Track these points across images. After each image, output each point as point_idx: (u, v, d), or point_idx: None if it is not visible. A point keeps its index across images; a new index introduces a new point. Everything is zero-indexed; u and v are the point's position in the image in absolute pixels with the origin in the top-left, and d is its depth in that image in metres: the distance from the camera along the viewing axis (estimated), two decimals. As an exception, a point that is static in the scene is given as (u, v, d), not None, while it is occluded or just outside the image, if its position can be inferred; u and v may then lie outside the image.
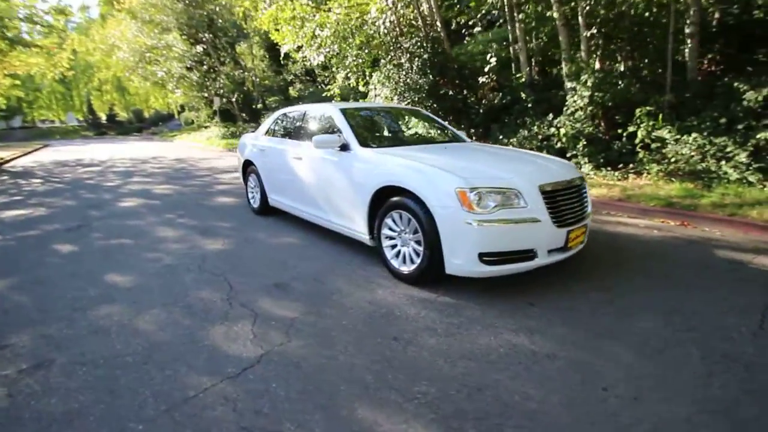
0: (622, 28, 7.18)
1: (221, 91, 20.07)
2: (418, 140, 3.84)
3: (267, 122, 4.99)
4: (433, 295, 2.68)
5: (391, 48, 9.87)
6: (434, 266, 2.64)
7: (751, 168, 5.07)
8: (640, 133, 6.25)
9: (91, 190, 7.27)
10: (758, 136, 5.07)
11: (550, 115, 7.44)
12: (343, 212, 3.40)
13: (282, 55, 10.82)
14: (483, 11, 10.00)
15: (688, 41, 6.89)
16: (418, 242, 2.75)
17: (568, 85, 6.92)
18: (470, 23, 12.40)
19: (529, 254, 2.54)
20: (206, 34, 19.03)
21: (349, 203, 3.28)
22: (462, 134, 4.19)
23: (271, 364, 1.98)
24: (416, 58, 9.07)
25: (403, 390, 1.77)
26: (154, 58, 18.92)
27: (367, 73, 10.71)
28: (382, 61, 10.14)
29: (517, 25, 7.96)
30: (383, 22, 9.24)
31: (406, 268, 2.84)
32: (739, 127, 5.56)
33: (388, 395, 1.74)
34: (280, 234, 4.22)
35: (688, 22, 6.84)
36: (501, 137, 7.90)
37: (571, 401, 1.68)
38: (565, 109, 7.20)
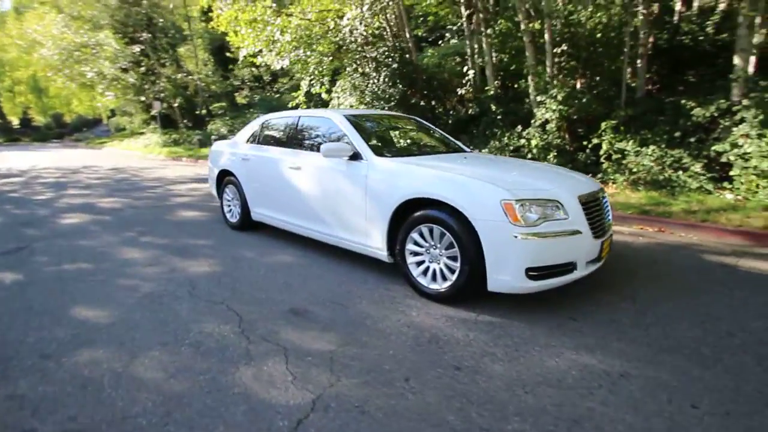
0: (579, 48, 7.67)
1: (162, 95, 18.58)
2: (430, 149, 3.68)
3: (248, 129, 4.56)
4: (472, 315, 2.51)
5: (357, 57, 9.72)
6: (473, 283, 2.47)
7: (705, 177, 5.57)
8: (605, 145, 6.65)
9: (20, 205, 6.21)
10: (713, 149, 5.58)
11: (519, 127, 7.71)
12: (355, 227, 3.13)
13: (240, 59, 10.21)
14: (453, 25, 10.24)
15: (638, 61, 7.51)
16: (452, 258, 2.57)
17: (539, 98, 7.19)
18: (425, 35, 12.67)
19: (569, 267, 2.46)
20: (144, 34, 17.56)
21: (363, 217, 3.03)
22: (460, 144, 4.11)
23: (330, 412, 1.67)
24: (385, 68, 8.99)
25: (497, 430, 1.56)
26: (83, 57, 17.02)
27: (326, 81, 10.44)
28: (348, 69, 9.95)
29: (484, 39, 8.19)
30: (351, 30, 9.08)
31: (438, 286, 2.65)
32: (692, 140, 6.12)
33: (483, 438, 1.53)
34: (272, 252, 3.82)
35: (632, 44, 7.46)
36: (472, 148, 8.03)
37: (673, 425, 1.59)
38: (533, 121, 7.49)
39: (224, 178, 4.72)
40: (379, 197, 2.89)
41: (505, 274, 2.36)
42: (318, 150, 3.51)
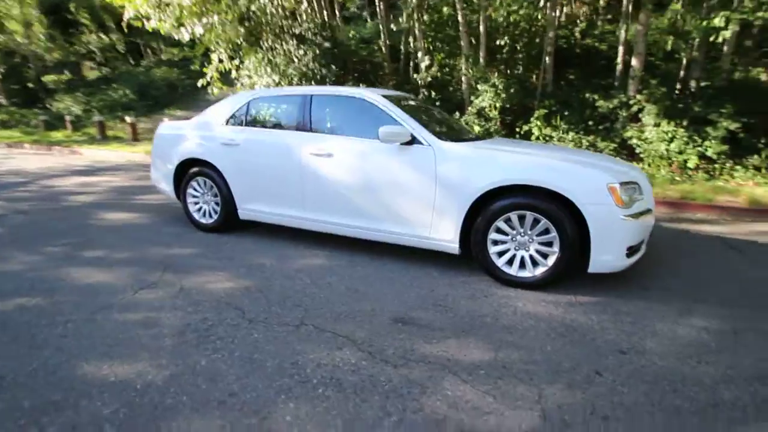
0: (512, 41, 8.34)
1: (-26, 61, 13.87)
2: (466, 134, 3.52)
3: (224, 106, 3.70)
4: (570, 298, 2.54)
5: (277, 31, 8.76)
6: (571, 267, 2.51)
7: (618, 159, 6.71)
8: (536, 131, 7.44)
9: None
10: (625, 135, 6.73)
11: (456, 114, 8.05)
12: (416, 219, 2.84)
13: (124, 21, 8.12)
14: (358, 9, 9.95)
15: (546, 59, 8.53)
16: (545, 244, 2.55)
17: (480, 87, 7.59)
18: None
19: (642, 244, 2.68)
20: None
21: (430, 208, 2.77)
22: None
23: (576, 428, 1.49)
24: (313, 46, 8.33)
25: (729, 400, 1.62)
26: None
27: (227, 58, 9.11)
28: (265, 45, 8.91)
29: (417, 26, 8.23)
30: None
31: (529, 273, 2.60)
32: (601, 127, 7.28)
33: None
34: (291, 255, 3.23)
35: (546, 46, 8.45)
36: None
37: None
38: (470, 109, 7.91)
39: (188, 169, 3.77)
40: (455, 186, 2.67)
41: (608, 255, 2.44)
42: (356, 135, 3.07)
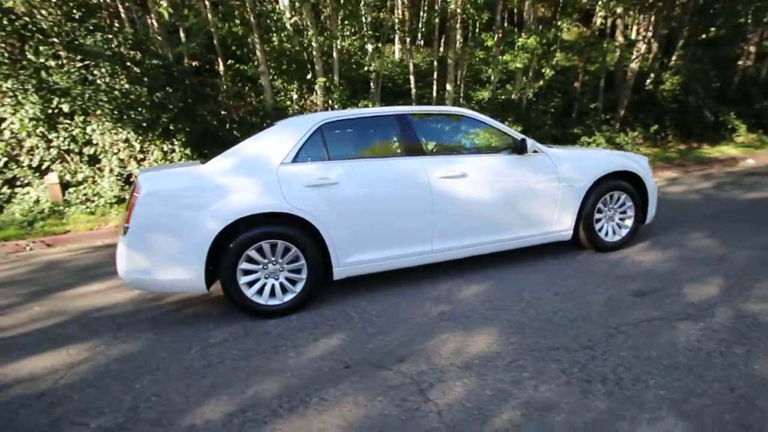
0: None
1: None
2: None
3: (280, 141, 2.69)
4: (643, 245, 3.58)
5: (52, 44, 6.09)
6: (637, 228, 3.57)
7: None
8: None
9: None
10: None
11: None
12: (544, 218, 3.20)
13: None
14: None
15: (371, 84, 9.73)
16: (623, 212, 3.50)
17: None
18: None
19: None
20: None
21: (555, 205, 3.20)
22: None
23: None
24: (128, 64, 6.32)
25: (790, 262, 2.98)
26: None
27: None
28: (36, 62, 6.02)
29: (257, 47, 7.63)
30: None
31: (619, 237, 3.49)
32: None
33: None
34: (455, 292, 2.87)
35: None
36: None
37: None
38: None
39: (235, 235, 2.54)
40: (573, 181, 3.22)
41: (653, 209, 3.62)
42: (476, 151, 3.10)
